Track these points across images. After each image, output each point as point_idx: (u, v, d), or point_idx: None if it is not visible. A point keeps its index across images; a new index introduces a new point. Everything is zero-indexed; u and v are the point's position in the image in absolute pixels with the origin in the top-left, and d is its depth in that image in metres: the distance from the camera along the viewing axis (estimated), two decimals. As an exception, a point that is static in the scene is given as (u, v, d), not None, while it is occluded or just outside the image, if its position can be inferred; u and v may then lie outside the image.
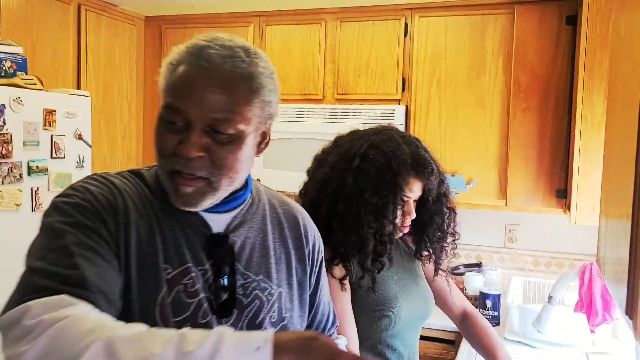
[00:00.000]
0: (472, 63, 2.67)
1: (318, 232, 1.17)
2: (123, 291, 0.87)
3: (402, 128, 2.72)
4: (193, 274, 0.93)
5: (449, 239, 1.59)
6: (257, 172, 2.95)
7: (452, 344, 2.51)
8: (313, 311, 1.14)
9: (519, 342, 2.22)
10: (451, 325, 2.46)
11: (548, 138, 2.54)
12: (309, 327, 1.15)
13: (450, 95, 2.70)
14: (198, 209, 0.95)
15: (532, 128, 2.57)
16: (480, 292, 2.53)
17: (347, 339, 1.33)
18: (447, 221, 1.58)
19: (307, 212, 1.37)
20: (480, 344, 1.69)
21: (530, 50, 2.55)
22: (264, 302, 1.02)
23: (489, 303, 2.48)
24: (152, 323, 0.87)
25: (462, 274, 2.77)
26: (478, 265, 2.92)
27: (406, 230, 1.50)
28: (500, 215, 2.93)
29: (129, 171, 1.01)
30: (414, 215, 1.47)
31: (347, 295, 1.40)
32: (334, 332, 1.24)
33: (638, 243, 0.77)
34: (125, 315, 0.86)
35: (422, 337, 1.89)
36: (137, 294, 0.88)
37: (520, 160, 2.59)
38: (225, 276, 0.97)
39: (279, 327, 1.05)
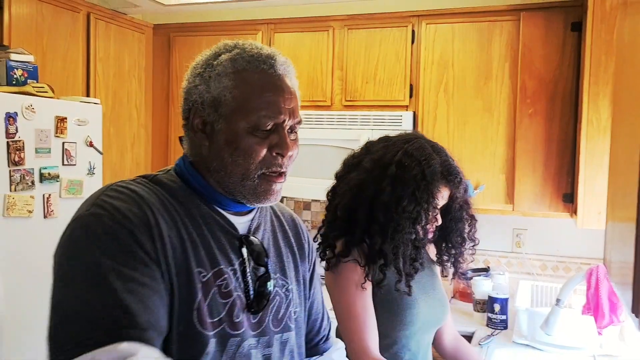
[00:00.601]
0: (479, 69, 2.69)
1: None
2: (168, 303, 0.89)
3: (409, 134, 2.75)
4: (226, 275, 0.98)
5: (469, 245, 1.62)
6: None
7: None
8: (308, 308, 1.19)
9: (528, 345, 2.23)
10: (459, 329, 2.47)
11: (555, 143, 2.56)
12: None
13: (458, 101, 2.73)
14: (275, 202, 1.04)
15: (539, 133, 2.59)
16: (489, 297, 2.54)
17: (367, 339, 1.36)
18: (468, 228, 1.61)
19: (340, 215, 1.43)
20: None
21: (536, 56, 2.57)
22: (283, 298, 1.09)
23: (497, 307, 2.49)
24: (190, 326, 0.91)
25: (470, 279, 2.78)
26: (486, 270, 2.93)
27: (431, 235, 1.53)
28: (508, 220, 2.94)
29: (143, 177, 1.01)
30: (439, 222, 1.50)
31: (367, 294, 1.43)
32: (328, 331, 1.27)
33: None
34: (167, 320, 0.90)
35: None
36: (178, 301, 0.90)
37: (527, 165, 2.61)
38: (253, 274, 1.01)
39: (294, 322, 1.10)
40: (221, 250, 0.99)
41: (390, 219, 1.41)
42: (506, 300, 2.50)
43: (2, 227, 2.13)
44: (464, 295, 2.88)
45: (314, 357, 1.21)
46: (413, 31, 2.79)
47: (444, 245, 1.61)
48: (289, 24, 3.02)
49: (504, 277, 2.80)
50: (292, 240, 1.16)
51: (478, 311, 2.64)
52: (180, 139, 1.10)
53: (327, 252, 1.50)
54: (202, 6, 3.18)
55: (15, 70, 2.35)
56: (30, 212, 2.24)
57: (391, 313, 1.47)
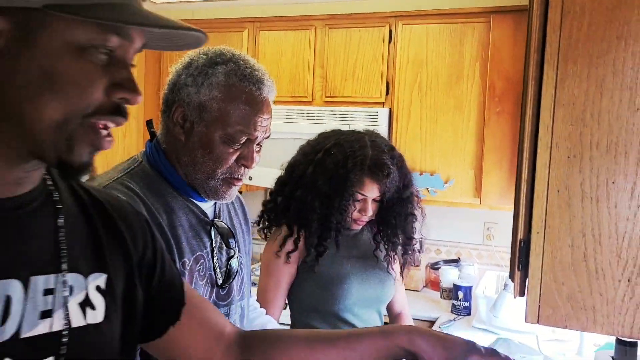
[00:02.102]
0: (451, 69, 2.82)
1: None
2: None
3: (385, 129, 2.89)
4: (202, 260, 1.14)
5: (402, 239, 1.75)
6: (249, 170, 3.12)
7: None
8: None
9: (486, 329, 2.37)
10: (423, 314, 2.62)
11: (519, 133, 2.69)
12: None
13: (431, 99, 2.86)
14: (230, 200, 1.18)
15: (506, 130, 2.72)
16: (454, 284, 2.69)
17: (272, 308, 1.55)
18: (406, 224, 1.74)
19: (275, 190, 1.61)
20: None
21: (506, 57, 2.70)
22: (240, 270, 1.25)
23: (460, 294, 2.63)
24: None
25: (438, 268, 2.92)
26: (456, 261, 3.07)
27: (362, 224, 1.68)
28: (479, 213, 3.08)
29: (125, 174, 1.11)
30: (370, 213, 1.65)
31: (287, 269, 1.60)
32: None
33: (518, 219, 0.93)
34: None
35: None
36: None
37: (494, 161, 2.74)
38: (221, 254, 1.17)
39: (247, 289, 1.30)
40: (196, 236, 1.14)
41: (304, 198, 1.57)
42: (470, 288, 2.64)
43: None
44: (435, 284, 3.03)
45: None
46: (390, 31, 2.93)
47: (383, 236, 1.76)
48: (273, 22, 3.16)
49: (472, 268, 2.94)
50: (241, 217, 1.33)
51: (444, 298, 2.79)
52: (148, 123, 1.23)
53: (264, 223, 1.69)
54: (190, 4, 3.32)
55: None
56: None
57: (322, 288, 1.63)
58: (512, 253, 0.96)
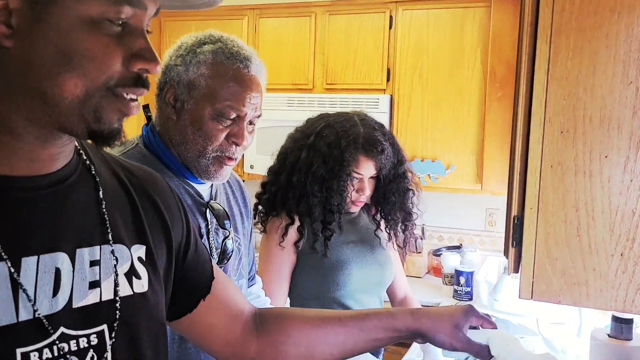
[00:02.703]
0: (452, 55, 2.81)
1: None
2: None
3: (386, 116, 2.88)
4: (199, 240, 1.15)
5: (401, 215, 1.74)
6: (251, 158, 3.12)
7: (428, 318, 2.67)
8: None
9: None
10: (425, 300, 2.63)
11: (513, 109, 2.68)
12: None
13: (432, 85, 2.85)
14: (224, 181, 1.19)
15: (507, 116, 2.70)
16: (455, 270, 2.69)
17: (277, 298, 1.55)
18: (404, 200, 1.74)
19: (269, 179, 1.60)
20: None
21: (506, 42, 2.69)
22: (237, 251, 1.27)
23: (462, 280, 2.63)
24: None
25: (440, 255, 2.92)
26: (458, 247, 3.07)
27: (360, 205, 1.67)
28: (481, 199, 3.07)
29: (122, 154, 1.09)
30: (367, 192, 1.64)
31: (288, 258, 1.60)
32: (254, 272, 1.46)
33: (511, 195, 0.93)
34: None
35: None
36: None
37: (495, 146, 2.74)
38: (218, 235, 1.18)
39: (245, 270, 1.32)
40: (192, 217, 1.15)
41: (302, 183, 1.57)
42: (471, 273, 2.64)
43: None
44: (437, 270, 3.03)
45: None
46: (391, 17, 2.91)
47: (381, 215, 1.75)
48: (273, 9, 3.15)
49: (474, 254, 2.94)
50: (239, 200, 1.34)
51: (446, 284, 2.79)
52: (144, 108, 1.24)
53: (260, 214, 1.68)
54: (192, -8, 3.31)
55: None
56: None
57: (323, 274, 1.62)
58: (507, 230, 0.96)
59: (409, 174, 1.73)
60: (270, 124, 2.97)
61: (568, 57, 0.81)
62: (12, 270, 0.60)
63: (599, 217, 0.82)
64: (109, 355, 0.66)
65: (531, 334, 1.68)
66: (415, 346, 1.92)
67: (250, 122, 1.15)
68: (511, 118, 2.67)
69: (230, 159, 1.14)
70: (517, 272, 0.92)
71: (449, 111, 2.83)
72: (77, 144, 0.72)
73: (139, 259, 0.75)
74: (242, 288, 1.31)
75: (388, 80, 2.94)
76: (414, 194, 1.76)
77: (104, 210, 0.71)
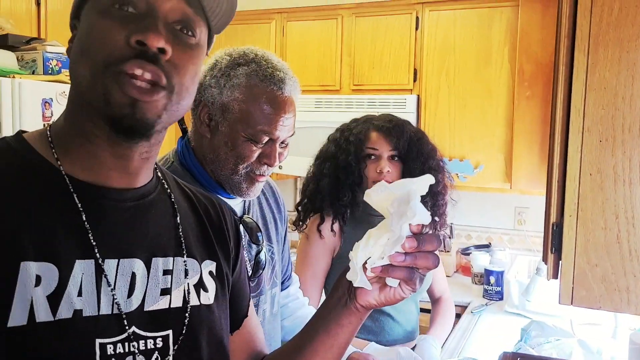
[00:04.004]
0: (479, 54, 2.81)
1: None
2: None
3: (413, 116, 2.90)
4: None
5: (436, 200, 1.74)
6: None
7: (458, 317, 2.68)
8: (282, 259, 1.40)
9: (518, 314, 2.38)
10: (455, 300, 2.64)
11: (550, 118, 2.67)
12: None
13: (459, 84, 2.86)
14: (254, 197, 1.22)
15: (536, 114, 2.70)
16: (485, 269, 2.69)
17: (310, 299, 1.59)
18: (437, 196, 1.74)
19: (306, 180, 1.66)
20: (430, 322, 1.89)
21: (534, 41, 2.67)
22: (270, 260, 1.29)
23: (492, 279, 2.64)
24: None
25: (469, 254, 2.93)
26: (487, 246, 3.07)
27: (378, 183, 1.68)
28: (509, 198, 3.07)
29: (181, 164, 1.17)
30: (387, 169, 1.65)
31: (324, 258, 1.65)
32: (290, 271, 1.49)
33: (550, 202, 0.95)
34: None
35: (427, 310, 2.07)
36: None
37: (524, 145, 2.73)
38: (251, 248, 1.21)
39: (278, 277, 1.32)
40: None
41: (323, 166, 1.70)
42: (501, 273, 2.64)
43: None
44: (466, 269, 3.03)
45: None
46: (417, 18, 2.92)
47: None
48: (300, 12, 3.19)
49: (503, 253, 2.94)
50: (273, 206, 1.37)
51: (476, 283, 2.80)
52: (180, 120, 1.27)
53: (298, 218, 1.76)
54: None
55: (50, 60, 2.58)
56: (63, 188, 2.49)
57: None
58: (545, 236, 0.98)
59: (443, 171, 1.75)
60: (298, 125, 3.00)
61: (606, 68, 0.83)
62: (99, 269, 0.66)
63: (638, 224, 0.83)
64: (170, 358, 0.70)
65: (567, 335, 1.69)
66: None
67: (283, 142, 1.17)
68: (540, 116, 2.67)
69: (261, 175, 1.16)
70: (556, 277, 0.94)
71: (476, 110, 2.83)
72: (156, 167, 0.78)
73: (210, 273, 0.79)
74: (275, 296, 1.33)
75: (415, 80, 2.95)
76: (438, 173, 1.75)
77: (179, 226, 0.77)
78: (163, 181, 0.79)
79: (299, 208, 1.76)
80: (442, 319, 1.88)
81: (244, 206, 1.25)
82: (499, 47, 2.77)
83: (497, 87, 2.78)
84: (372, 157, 1.65)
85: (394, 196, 0.71)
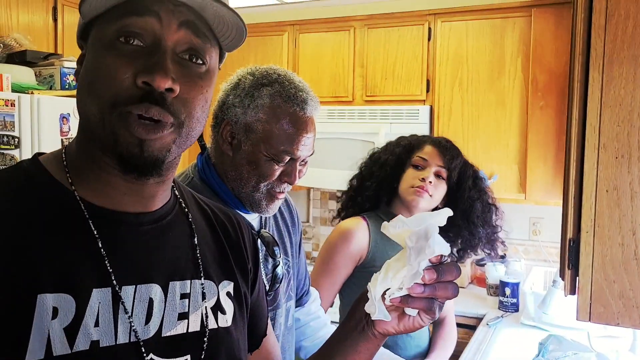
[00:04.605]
0: (492, 64, 2.81)
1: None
2: None
3: (426, 127, 2.90)
4: None
5: (492, 229, 1.74)
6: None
7: (474, 329, 2.66)
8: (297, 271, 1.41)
9: (534, 326, 2.36)
10: (470, 311, 2.63)
11: (565, 134, 2.66)
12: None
13: (472, 95, 2.86)
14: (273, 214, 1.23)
15: (550, 125, 2.69)
16: (500, 281, 2.67)
17: (322, 305, 1.59)
18: (488, 213, 1.73)
19: (348, 186, 1.70)
20: (432, 345, 1.86)
21: (548, 51, 2.67)
22: (286, 274, 1.29)
23: (507, 291, 2.62)
24: None
25: (484, 265, 2.91)
26: (502, 257, 3.05)
27: (421, 194, 1.64)
28: (524, 208, 3.05)
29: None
30: (431, 178, 1.64)
31: (345, 269, 1.66)
32: (308, 285, 1.49)
33: (566, 218, 0.95)
34: None
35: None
36: None
37: (539, 155, 2.72)
38: (268, 262, 1.22)
39: (293, 290, 1.33)
40: None
41: (370, 168, 1.74)
42: (517, 284, 2.62)
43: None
44: (481, 281, 3.02)
45: (297, 308, 1.43)
46: (429, 29, 2.93)
47: (465, 224, 1.73)
48: (313, 24, 3.21)
49: (519, 264, 2.92)
50: (287, 218, 1.38)
51: (491, 295, 2.78)
52: (200, 138, 1.28)
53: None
54: (233, 10, 3.40)
55: (67, 76, 2.63)
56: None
57: None
58: (562, 252, 0.97)
59: (490, 192, 1.75)
60: (311, 138, 3.03)
61: (621, 85, 0.83)
62: (115, 296, 0.66)
63: (656, 241, 0.83)
64: None
65: (585, 349, 1.67)
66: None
67: (303, 160, 1.18)
68: (554, 126, 2.66)
69: (281, 193, 1.17)
70: (574, 293, 0.94)
71: (490, 121, 2.83)
72: (174, 185, 0.78)
73: (227, 294, 0.79)
74: (290, 309, 1.34)
75: (428, 91, 2.95)
76: (497, 208, 1.76)
77: (197, 247, 0.76)
78: (180, 200, 0.79)
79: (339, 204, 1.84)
80: (444, 343, 1.86)
81: (261, 220, 1.26)
82: (512, 57, 2.77)
83: (511, 98, 2.78)
84: (419, 167, 1.64)
85: (412, 230, 0.71)
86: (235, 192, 1.18)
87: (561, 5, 2.64)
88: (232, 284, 0.81)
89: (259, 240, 1.20)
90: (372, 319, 0.74)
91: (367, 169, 1.77)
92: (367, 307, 0.74)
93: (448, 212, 0.72)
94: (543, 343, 1.73)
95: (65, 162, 0.70)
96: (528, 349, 1.95)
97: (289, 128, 1.13)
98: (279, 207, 1.36)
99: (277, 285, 1.24)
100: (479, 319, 2.59)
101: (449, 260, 0.74)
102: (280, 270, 1.23)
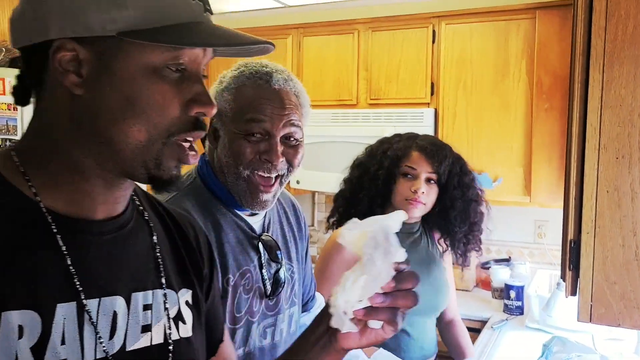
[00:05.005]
0: (496, 67, 2.80)
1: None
2: None
3: (431, 130, 2.89)
4: (248, 274, 1.18)
5: (473, 228, 1.73)
6: (297, 173, 3.18)
7: (478, 332, 2.65)
8: (303, 278, 1.39)
9: (539, 329, 2.34)
10: (475, 314, 2.62)
11: (566, 135, 2.65)
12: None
13: (476, 97, 2.85)
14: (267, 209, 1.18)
15: (555, 127, 2.68)
16: (505, 284, 2.67)
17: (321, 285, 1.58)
18: (468, 210, 1.73)
19: (338, 192, 1.69)
20: (457, 350, 1.84)
21: (552, 53, 2.67)
22: (289, 279, 1.28)
23: (512, 294, 2.61)
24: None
25: (489, 268, 2.90)
26: (507, 260, 3.04)
27: (415, 206, 1.66)
28: (529, 211, 3.04)
29: (181, 192, 1.14)
30: (422, 190, 1.64)
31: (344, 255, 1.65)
32: (313, 291, 1.48)
33: (567, 219, 0.95)
34: None
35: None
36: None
37: (543, 158, 2.71)
38: (271, 267, 1.21)
39: (297, 297, 1.32)
40: (243, 252, 1.17)
41: (354, 179, 1.72)
42: (522, 287, 2.61)
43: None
44: (486, 284, 3.01)
45: (303, 314, 1.42)
46: (433, 31, 2.93)
47: (444, 225, 1.75)
48: (317, 27, 3.22)
49: (524, 267, 2.91)
50: (293, 224, 1.36)
51: (496, 298, 2.77)
52: (203, 139, 1.29)
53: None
54: (237, 14, 3.42)
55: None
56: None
57: None
58: (563, 253, 0.97)
59: (477, 184, 1.74)
60: (315, 140, 3.04)
61: (622, 85, 0.83)
62: (80, 311, 0.64)
63: (657, 241, 0.82)
64: None
65: (589, 352, 1.66)
66: None
67: (289, 137, 1.13)
68: (559, 129, 2.65)
69: (266, 185, 1.12)
70: (575, 294, 0.93)
71: (494, 123, 2.82)
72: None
73: (186, 302, 0.77)
74: (293, 315, 1.32)
75: (432, 94, 2.95)
76: (480, 205, 1.75)
77: (158, 255, 0.75)
78: (139, 204, 0.77)
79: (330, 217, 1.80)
80: (469, 344, 1.86)
81: (264, 224, 1.24)
82: (517, 59, 2.76)
83: (515, 100, 2.77)
84: (409, 176, 1.64)
85: (368, 234, 0.71)
86: (228, 187, 1.15)
87: (565, 7, 2.63)
88: (190, 292, 0.79)
89: (260, 245, 1.19)
90: (342, 332, 0.73)
91: (357, 180, 1.73)
92: (334, 323, 0.73)
93: (402, 215, 0.72)
94: (547, 345, 1.73)
95: (18, 164, 0.66)
96: (533, 352, 1.94)
97: (254, 98, 1.10)
98: (286, 212, 1.34)
99: (280, 290, 1.22)
100: (484, 322, 2.58)
101: (406, 268, 0.74)
102: (282, 274, 1.22)
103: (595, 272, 0.87)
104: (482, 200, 1.76)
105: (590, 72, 0.85)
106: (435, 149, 1.65)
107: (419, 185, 1.63)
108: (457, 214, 1.71)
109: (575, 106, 0.89)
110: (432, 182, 1.65)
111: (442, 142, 1.73)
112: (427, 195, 1.65)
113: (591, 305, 0.87)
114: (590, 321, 0.88)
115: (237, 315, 1.14)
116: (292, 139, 1.14)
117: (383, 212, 1.69)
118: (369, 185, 1.67)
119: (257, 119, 1.10)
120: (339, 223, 1.76)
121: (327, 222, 1.82)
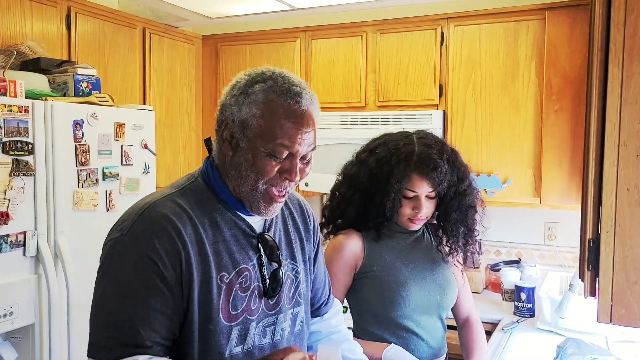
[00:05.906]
0: (505, 68, 2.79)
1: (314, 213, 1.45)
2: (185, 312, 1.11)
3: (439, 132, 2.88)
4: (246, 272, 1.18)
5: (463, 232, 1.73)
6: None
7: (489, 334, 2.63)
8: (312, 280, 1.38)
9: (551, 331, 2.32)
10: (485, 317, 2.59)
11: (580, 137, 2.63)
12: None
13: (485, 99, 2.84)
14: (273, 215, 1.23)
15: (565, 128, 2.66)
16: (515, 286, 2.64)
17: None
18: (465, 217, 1.72)
19: (330, 197, 1.67)
20: (466, 349, 1.81)
21: (562, 54, 2.65)
22: (293, 279, 1.27)
23: (523, 296, 2.59)
24: (216, 322, 1.12)
25: (499, 270, 2.88)
26: (517, 262, 3.02)
27: (418, 223, 1.67)
28: (539, 213, 3.02)
29: (174, 190, 1.19)
30: (424, 210, 1.64)
31: (344, 277, 1.68)
32: (328, 295, 1.47)
33: (585, 218, 0.93)
34: (188, 326, 1.11)
35: (453, 327, 2.03)
36: (199, 308, 1.11)
37: (554, 159, 2.69)
38: (271, 266, 1.21)
39: (302, 297, 1.30)
40: (241, 250, 1.18)
41: (346, 194, 1.67)
42: (532, 289, 2.59)
43: (72, 219, 2.42)
44: (495, 286, 2.99)
45: (315, 319, 1.41)
46: (442, 33, 2.92)
47: (443, 233, 1.75)
48: (325, 30, 3.21)
49: (534, 269, 2.88)
50: (300, 224, 1.35)
51: (506, 300, 2.75)
52: (206, 141, 1.29)
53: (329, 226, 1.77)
54: (245, 17, 3.42)
55: (81, 82, 2.65)
56: (95, 206, 2.53)
57: (381, 294, 1.64)
58: (581, 253, 0.96)
59: (473, 191, 1.72)
60: (324, 142, 3.02)
61: (642, 81, 0.81)
62: None
63: (679, 240, 0.81)
64: None
65: (605, 354, 1.64)
66: None
67: (304, 157, 1.16)
68: (569, 130, 2.63)
69: (280, 196, 1.16)
70: (593, 295, 0.92)
71: (503, 125, 2.81)
72: None
73: None
74: (297, 315, 1.31)
75: (441, 95, 2.94)
76: (476, 211, 1.75)
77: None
78: None
79: (324, 222, 1.78)
80: (479, 344, 1.82)
81: (264, 224, 1.25)
82: (526, 61, 2.75)
83: (525, 101, 2.76)
84: (410, 198, 1.64)
85: None
86: (236, 192, 1.17)
87: (575, 7, 2.62)
88: None
89: (259, 243, 1.21)
90: None
91: (360, 204, 1.68)
92: None
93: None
94: (562, 346, 1.71)
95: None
96: (544, 354, 1.93)
97: (284, 121, 1.11)
98: (291, 213, 1.34)
99: (279, 289, 1.23)
100: (495, 324, 2.56)
101: None
102: (281, 274, 1.22)
103: (615, 272, 0.86)
104: (478, 202, 1.75)
105: (609, 67, 0.83)
106: (427, 164, 1.60)
107: (420, 207, 1.64)
108: (454, 222, 1.72)
109: (593, 103, 0.88)
110: (432, 198, 1.67)
111: (434, 146, 1.66)
112: (428, 211, 1.68)
113: (611, 305, 0.86)
114: (611, 322, 0.86)
115: (233, 312, 1.15)
116: (307, 157, 1.18)
117: (383, 228, 1.68)
118: (375, 214, 1.65)
119: (288, 145, 1.12)
120: (337, 229, 1.75)
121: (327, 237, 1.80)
